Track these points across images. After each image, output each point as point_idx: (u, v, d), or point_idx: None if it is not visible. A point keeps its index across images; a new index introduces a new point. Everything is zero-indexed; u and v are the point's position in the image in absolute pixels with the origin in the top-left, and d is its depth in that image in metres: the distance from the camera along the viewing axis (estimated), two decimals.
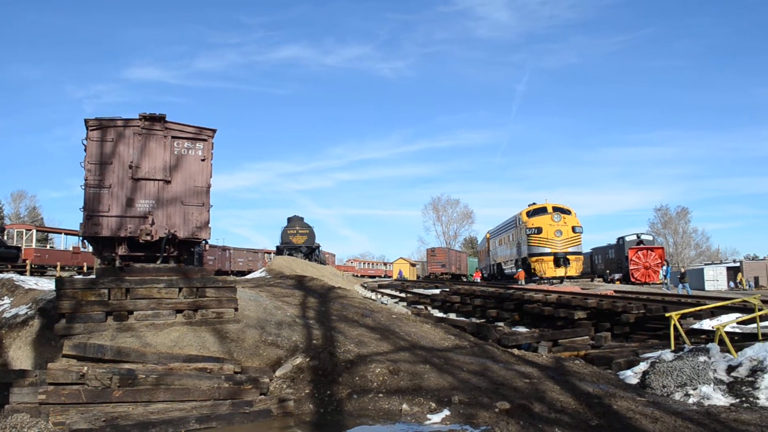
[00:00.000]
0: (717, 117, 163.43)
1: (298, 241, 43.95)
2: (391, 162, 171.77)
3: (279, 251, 43.77)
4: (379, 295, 27.53)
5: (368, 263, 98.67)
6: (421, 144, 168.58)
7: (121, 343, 8.71)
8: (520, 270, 41.90)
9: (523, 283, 33.24)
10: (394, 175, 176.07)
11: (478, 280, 55.22)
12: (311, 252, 44.93)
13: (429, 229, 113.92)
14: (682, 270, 40.23)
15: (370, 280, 65.27)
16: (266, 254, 57.96)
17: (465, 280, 68.10)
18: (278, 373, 8.69)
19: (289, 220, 45.48)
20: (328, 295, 14.87)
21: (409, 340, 10.70)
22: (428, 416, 7.49)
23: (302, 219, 45.62)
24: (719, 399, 7.91)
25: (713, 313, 12.70)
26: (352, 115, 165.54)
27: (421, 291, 27.73)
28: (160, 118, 10.51)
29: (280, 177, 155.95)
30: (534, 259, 33.94)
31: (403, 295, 26.57)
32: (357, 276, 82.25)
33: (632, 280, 45.66)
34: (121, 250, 10.44)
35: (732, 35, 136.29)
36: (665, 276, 38.29)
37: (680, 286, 37.05)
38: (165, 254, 10.57)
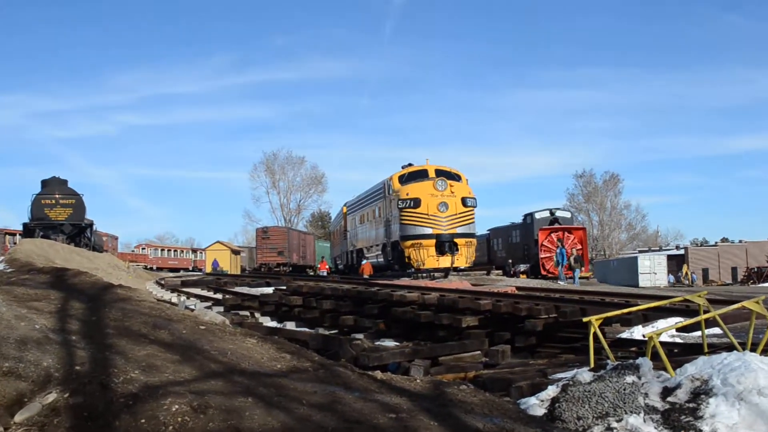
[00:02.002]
0: (658, 52, 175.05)
1: (59, 216, 42.19)
2: (205, 100, 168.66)
3: (28, 231, 41.88)
4: (183, 297, 27.06)
5: (169, 250, 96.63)
6: (250, 75, 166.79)
7: None
8: (365, 262, 42.85)
9: (366, 278, 34.14)
10: (209, 119, 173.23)
11: (325, 273, 55.93)
12: (79, 233, 43.40)
13: (260, 200, 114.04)
14: (576, 251, 43.01)
15: (171, 274, 63.97)
16: (7, 236, 55.11)
17: (312, 273, 68.54)
18: (18, 418, 8.28)
19: (45, 184, 43.57)
20: (103, 298, 14.38)
21: (224, 361, 10.58)
22: None
23: (65, 183, 43.84)
24: None
25: (647, 317, 13.58)
26: (147, 27, 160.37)
27: (245, 290, 27.55)
28: None
29: (30, 118, 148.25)
30: (408, 243, 34.77)
31: (219, 296, 26.30)
32: (151, 269, 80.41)
33: (543, 272, 48.12)
34: None
35: None
36: (560, 263, 40.89)
37: (567, 279, 39.95)
38: None
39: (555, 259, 43.46)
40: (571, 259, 41.55)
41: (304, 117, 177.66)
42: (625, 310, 12.29)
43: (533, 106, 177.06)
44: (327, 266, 63.46)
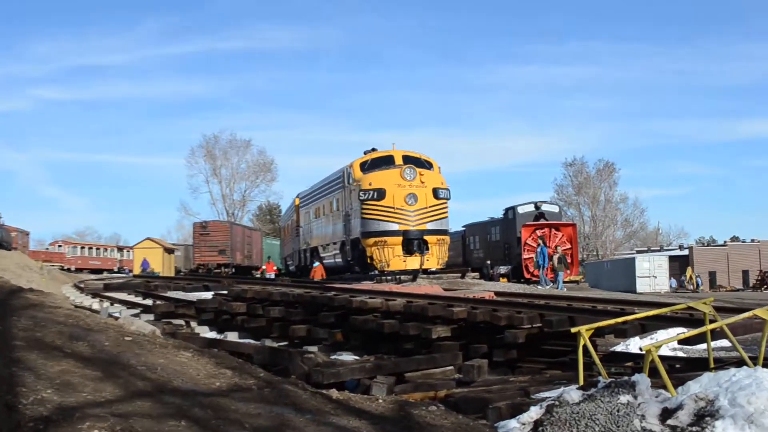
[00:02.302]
0: (659, 23, 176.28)
1: None
2: (135, 73, 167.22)
3: None
4: (106, 303, 26.85)
5: (91, 248, 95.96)
6: (188, 44, 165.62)
7: None
8: (316, 265, 42.85)
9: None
10: (140, 95, 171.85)
11: (272, 276, 55.79)
12: None
13: (199, 190, 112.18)
14: (560, 251, 43.42)
15: (93, 276, 63.47)
16: None
17: (258, 275, 68.30)
18: None
19: None
20: (10, 304, 14.23)
21: (153, 378, 10.50)
22: None
23: None
24: None
25: (644, 328, 13.68)
26: None
27: (180, 295, 27.41)
28: None
29: None
30: (371, 241, 34.78)
31: (148, 302, 26.10)
32: (69, 270, 79.75)
33: (527, 275, 48.35)
34: None
35: None
36: (541, 264, 41.21)
37: (545, 285, 40.37)
38: None
39: (535, 260, 43.62)
40: (555, 259, 41.75)
41: (250, 94, 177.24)
42: (620, 320, 12.34)
43: (517, 84, 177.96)
44: (275, 267, 63.21)
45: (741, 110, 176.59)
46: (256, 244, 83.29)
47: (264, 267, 63.92)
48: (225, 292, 23.77)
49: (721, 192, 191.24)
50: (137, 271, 71.44)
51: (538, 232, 48.75)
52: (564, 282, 43.62)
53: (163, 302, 24.32)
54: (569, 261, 47.53)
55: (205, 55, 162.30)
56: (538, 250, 42.06)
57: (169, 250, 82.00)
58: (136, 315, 21.94)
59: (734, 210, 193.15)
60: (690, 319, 13.35)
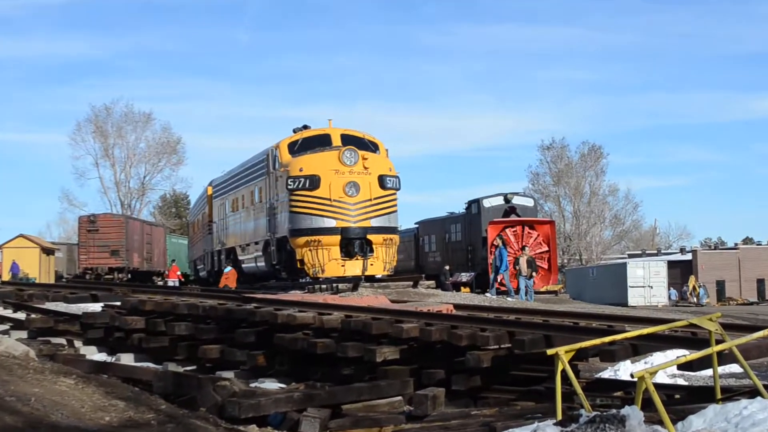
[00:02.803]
0: None
1: None
2: (1, 27, 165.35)
3: None
4: None
5: None
6: None
7: None
8: (228, 270, 42.77)
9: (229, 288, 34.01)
10: (7, 56, 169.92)
11: (177, 283, 55.55)
12: None
13: (86, 176, 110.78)
14: (527, 251, 43.57)
15: None
16: None
17: (161, 282, 67.90)
18: None
19: None
20: None
21: (25, 412, 10.41)
22: None
23: None
24: None
25: (637, 349, 13.77)
26: None
27: (61, 307, 27.13)
28: None
29: None
30: (302, 241, 34.84)
31: (20, 315, 25.81)
32: None
33: (497, 285, 48.50)
34: None
35: None
36: (497, 269, 41.21)
37: (514, 295, 40.58)
38: None
39: (493, 264, 43.54)
40: (521, 262, 41.60)
41: (152, 56, 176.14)
42: (607, 339, 12.43)
43: (482, 47, 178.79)
44: (179, 273, 62.98)
45: (756, 83, 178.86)
46: (158, 243, 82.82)
47: (168, 272, 63.57)
48: (118, 303, 23.52)
49: (731, 183, 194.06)
50: (6, 277, 70.57)
51: (508, 231, 48.94)
52: (536, 292, 43.81)
53: (40, 316, 24.03)
54: (546, 266, 47.81)
55: (93, 6, 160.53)
56: (497, 252, 42.01)
57: (47, 251, 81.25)
58: (4, 332, 21.70)
59: (747, 205, 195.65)
60: (692, 338, 13.43)
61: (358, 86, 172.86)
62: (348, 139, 36.72)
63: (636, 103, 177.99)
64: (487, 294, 39.71)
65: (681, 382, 16.14)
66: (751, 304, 77.13)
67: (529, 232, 49.28)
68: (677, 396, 13.33)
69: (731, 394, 12.11)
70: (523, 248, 44.45)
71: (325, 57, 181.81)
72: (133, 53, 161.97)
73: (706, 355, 10.95)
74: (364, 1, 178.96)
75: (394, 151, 36.76)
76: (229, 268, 43.18)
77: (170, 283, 58.85)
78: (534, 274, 42.21)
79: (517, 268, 41.69)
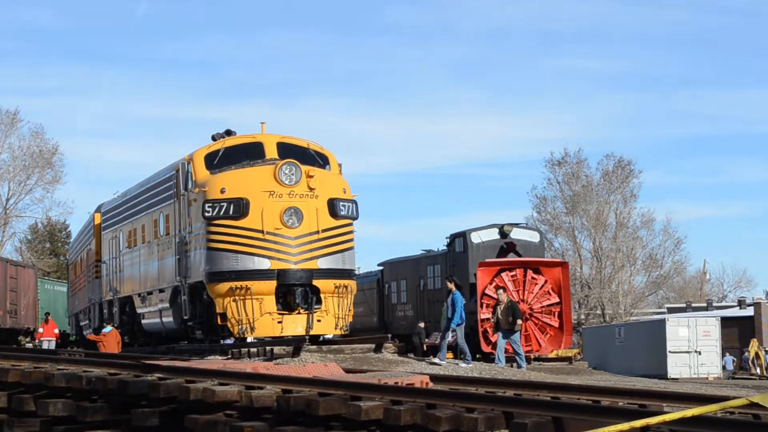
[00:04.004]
0: None
1: None
2: None
3: None
4: None
5: None
6: None
7: None
8: (108, 330, 42.71)
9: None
10: None
11: (52, 344, 55.39)
12: None
13: None
14: (503, 295, 42.71)
15: None
16: None
17: (33, 344, 67.67)
18: None
19: None
20: None
21: None
22: None
23: None
24: None
25: None
26: None
27: None
28: None
29: None
30: (224, 288, 34.84)
31: None
32: None
33: (485, 348, 48.72)
34: None
35: None
36: (447, 323, 39.70)
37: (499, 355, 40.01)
38: None
39: (443, 314, 41.69)
40: (498, 310, 40.86)
41: (18, 34, 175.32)
42: (639, 423, 12.53)
43: (473, 27, 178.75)
44: (56, 331, 62.70)
45: None
46: (26, 290, 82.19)
47: (40, 329, 63.26)
48: None
49: None
50: None
51: (505, 276, 48.93)
52: (544, 359, 43.81)
53: None
54: (556, 324, 47.84)
55: None
56: (449, 299, 39.95)
57: None
58: None
59: None
60: (755, 423, 13.58)
61: (301, 77, 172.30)
62: (287, 150, 36.69)
63: (678, 102, 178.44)
64: (498, 364, 39.04)
65: None
66: None
67: (533, 278, 49.15)
68: None
69: None
70: (498, 289, 43.26)
71: (255, 36, 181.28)
72: None
73: None
74: None
75: (350, 166, 37.03)
76: (108, 328, 43.03)
77: (44, 345, 58.56)
78: (519, 323, 41.05)
79: (494, 319, 41.24)
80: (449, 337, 39.97)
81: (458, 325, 39.17)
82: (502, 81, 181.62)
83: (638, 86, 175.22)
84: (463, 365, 36.80)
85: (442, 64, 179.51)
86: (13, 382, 21.10)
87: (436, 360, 37.95)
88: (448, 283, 41.43)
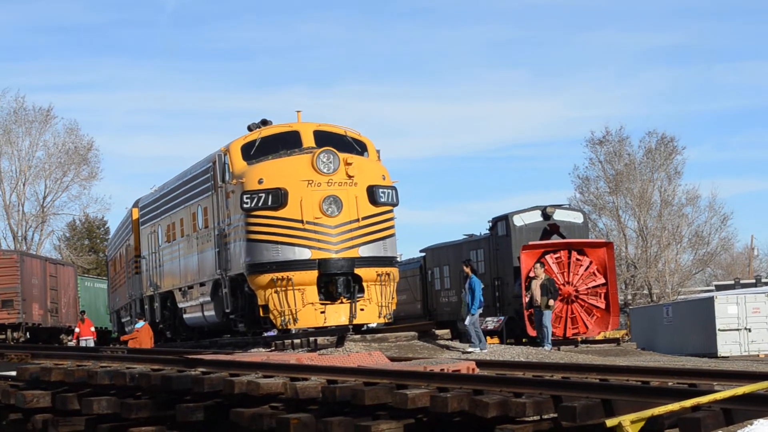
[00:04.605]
0: None
1: None
2: None
3: None
4: None
5: None
6: None
7: None
8: (141, 325, 42.46)
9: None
10: None
11: (91, 342, 55.38)
12: None
13: None
14: (542, 273, 42.23)
15: None
16: None
17: (75, 342, 67.73)
18: None
19: None
20: None
21: None
22: None
23: None
24: None
25: (731, 416, 13.80)
26: None
27: None
28: None
29: None
30: (265, 280, 34.71)
31: None
32: None
33: (531, 332, 48.58)
34: None
35: None
36: (469, 307, 38.68)
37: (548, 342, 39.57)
38: None
39: (464, 301, 40.86)
40: (532, 287, 40.41)
41: (50, 31, 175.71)
42: (689, 402, 12.45)
43: (513, 6, 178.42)
44: (92, 329, 62.80)
45: None
46: (66, 289, 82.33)
47: (77, 329, 63.29)
48: (13, 373, 23.55)
49: None
50: None
51: (549, 258, 48.68)
52: (591, 341, 43.66)
53: None
54: (602, 305, 47.63)
55: None
56: (467, 283, 38.89)
57: None
58: None
59: None
60: None
61: (337, 64, 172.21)
62: (324, 138, 36.54)
63: (721, 75, 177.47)
64: (546, 347, 38.78)
65: None
66: None
67: (577, 259, 48.86)
68: None
69: None
70: (536, 264, 42.99)
71: (288, 24, 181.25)
72: (23, 27, 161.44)
73: None
74: None
75: (390, 152, 36.89)
76: (141, 323, 43.03)
77: (83, 343, 58.60)
78: (552, 302, 41.08)
79: (528, 294, 41.00)
80: (470, 322, 38.27)
81: (476, 311, 38.26)
82: (542, 59, 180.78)
83: (680, 60, 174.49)
84: (472, 350, 36.03)
85: (480, 45, 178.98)
86: (57, 381, 21.09)
87: (470, 349, 36.76)
88: (465, 268, 41.08)
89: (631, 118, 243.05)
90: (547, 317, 40.54)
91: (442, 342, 38.82)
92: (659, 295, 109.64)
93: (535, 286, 40.55)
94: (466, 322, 37.91)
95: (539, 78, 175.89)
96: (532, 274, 43.34)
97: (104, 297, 78.67)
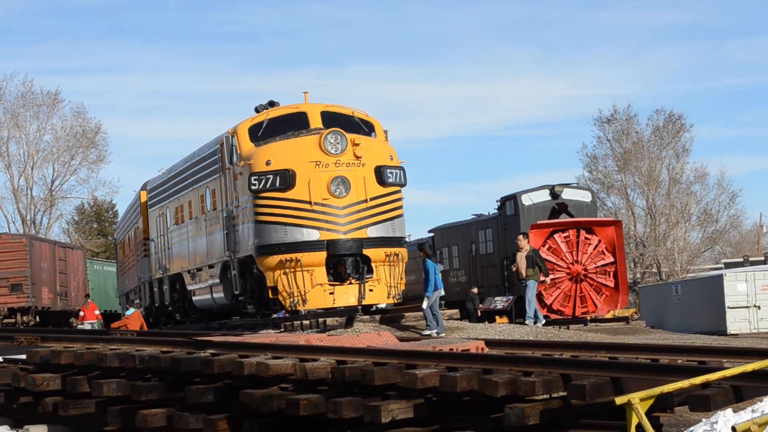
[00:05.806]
0: None
1: None
2: None
3: None
4: None
5: None
6: None
7: None
8: (131, 312, 42.42)
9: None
10: None
11: (95, 325, 55.47)
12: None
13: None
14: (528, 245, 42.09)
15: None
16: None
17: (79, 325, 67.81)
18: None
19: None
20: None
21: None
22: None
23: None
24: None
25: (740, 392, 13.80)
26: None
27: None
28: None
29: None
30: (273, 261, 34.66)
31: None
32: None
33: (541, 311, 48.59)
34: None
35: None
36: (428, 288, 38.07)
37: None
38: None
39: (427, 280, 39.92)
40: (518, 259, 40.31)
41: (57, 14, 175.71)
42: (699, 379, 12.45)
43: None
44: (97, 312, 62.82)
45: None
46: (75, 272, 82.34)
47: (82, 312, 63.19)
48: (23, 356, 23.55)
49: None
50: None
51: (558, 237, 48.65)
52: (601, 320, 43.64)
53: None
54: (611, 284, 47.60)
55: None
56: (425, 264, 37.57)
57: None
58: None
59: None
60: None
61: (343, 44, 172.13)
62: (331, 119, 36.44)
63: (730, 52, 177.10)
64: (536, 323, 38.80)
65: None
66: None
67: (586, 238, 48.78)
68: None
69: None
70: (520, 236, 43.20)
71: (295, 5, 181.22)
72: (31, 11, 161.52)
73: None
74: None
75: (399, 132, 36.90)
76: (131, 310, 43.05)
77: (86, 326, 58.55)
78: (544, 277, 41.77)
79: (514, 267, 40.85)
80: (426, 305, 37.36)
81: (431, 293, 37.39)
82: (551, 39, 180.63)
83: (691, 38, 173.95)
84: (428, 332, 35.12)
85: (488, 24, 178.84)
86: (66, 363, 21.10)
87: (427, 332, 35.86)
88: (419, 252, 41.11)
89: (640, 97, 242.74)
90: (531, 290, 40.82)
91: (451, 322, 38.78)
92: (668, 274, 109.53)
93: (520, 258, 40.65)
94: (423, 305, 37.33)
95: (548, 57, 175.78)
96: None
97: (113, 280, 78.67)
